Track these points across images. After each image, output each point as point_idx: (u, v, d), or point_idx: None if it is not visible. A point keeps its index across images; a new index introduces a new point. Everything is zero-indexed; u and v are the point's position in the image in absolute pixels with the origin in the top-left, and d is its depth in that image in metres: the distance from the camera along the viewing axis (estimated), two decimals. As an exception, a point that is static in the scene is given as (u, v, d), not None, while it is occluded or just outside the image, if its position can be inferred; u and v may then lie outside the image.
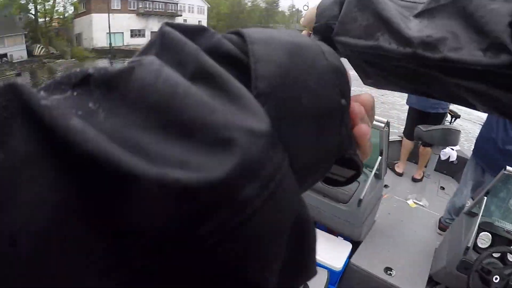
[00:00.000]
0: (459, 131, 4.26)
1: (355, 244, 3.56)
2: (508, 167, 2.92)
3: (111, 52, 44.37)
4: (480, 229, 2.97)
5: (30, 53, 37.49)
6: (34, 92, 0.21)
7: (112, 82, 0.23)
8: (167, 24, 0.29)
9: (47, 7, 41.53)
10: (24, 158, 0.19)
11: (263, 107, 0.24)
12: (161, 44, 0.27)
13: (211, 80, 0.24)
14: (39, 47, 39.04)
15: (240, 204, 0.21)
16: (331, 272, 3.06)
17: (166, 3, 58.36)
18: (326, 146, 0.29)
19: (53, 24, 44.20)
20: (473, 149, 3.91)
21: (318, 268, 2.02)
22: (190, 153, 0.21)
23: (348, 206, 3.37)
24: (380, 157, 3.38)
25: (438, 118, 4.94)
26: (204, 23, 65.06)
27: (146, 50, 0.28)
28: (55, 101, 0.21)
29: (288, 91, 0.27)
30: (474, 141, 3.94)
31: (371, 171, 3.44)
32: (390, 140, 3.48)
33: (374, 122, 2.70)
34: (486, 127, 3.74)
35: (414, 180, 5.33)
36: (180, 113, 0.22)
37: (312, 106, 0.27)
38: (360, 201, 3.27)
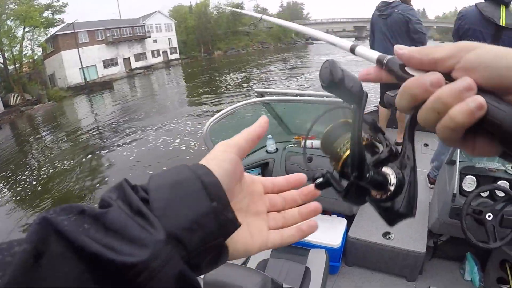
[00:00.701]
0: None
1: (350, 218, 3.72)
2: None
3: (87, 87, 43.92)
4: (463, 174, 3.03)
5: (5, 103, 36.91)
6: (58, 219, 0.40)
7: (97, 216, 0.43)
8: (126, 180, 0.49)
9: (15, 53, 41.06)
10: (58, 255, 0.38)
11: (160, 221, 0.44)
12: (121, 193, 0.47)
13: (141, 214, 0.44)
14: (14, 95, 38.45)
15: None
16: (330, 250, 3.16)
17: (133, 27, 58.38)
18: (209, 231, 0.46)
19: (24, 69, 43.84)
20: None
21: (315, 250, 2.66)
22: (131, 248, 0.41)
23: None
24: None
25: None
26: (174, 39, 65.24)
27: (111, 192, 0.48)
28: (66, 221, 0.40)
29: (173, 210, 0.46)
30: None
31: None
32: (366, 111, 3.70)
33: (332, 99, 3.25)
34: None
35: (397, 144, 5.62)
36: (123, 234, 0.42)
37: (189, 213, 0.45)
38: None
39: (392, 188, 0.52)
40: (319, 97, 3.52)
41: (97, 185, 11.52)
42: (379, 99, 5.76)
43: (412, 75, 0.49)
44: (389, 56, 0.53)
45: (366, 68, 0.57)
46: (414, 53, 0.49)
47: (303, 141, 4.19)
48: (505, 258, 3.11)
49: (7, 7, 39.77)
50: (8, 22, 40.12)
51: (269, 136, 4.17)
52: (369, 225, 3.60)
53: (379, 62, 0.55)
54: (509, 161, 0.53)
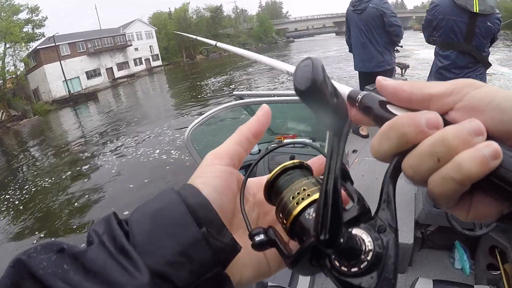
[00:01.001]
0: (406, 80, 4.41)
1: None
2: None
3: (71, 100, 43.73)
4: None
5: (-9, 120, 36.85)
6: (34, 261, 0.36)
7: (77, 255, 0.38)
8: (114, 214, 0.44)
9: (-3, 70, 40.71)
10: None
11: (143, 259, 0.39)
12: (107, 227, 0.42)
13: (124, 252, 0.39)
14: (-1, 112, 38.38)
15: None
16: None
17: (113, 36, 58.30)
18: (200, 262, 0.40)
19: (8, 85, 43.49)
20: None
21: None
22: None
23: None
24: None
25: (387, 75, 5.13)
26: (156, 46, 65.25)
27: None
28: (46, 261, 0.37)
29: (155, 243, 0.40)
30: None
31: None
32: None
33: None
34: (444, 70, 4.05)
35: None
36: (102, 277, 0.37)
37: (173, 245, 0.40)
38: None
39: (368, 258, 0.38)
40: (296, 97, 3.51)
41: (76, 203, 11.23)
42: None
43: (396, 115, 0.39)
44: (364, 92, 0.43)
45: None
46: (403, 86, 0.40)
47: (284, 140, 4.13)
48: (494, 244, 3.12)
49: (-14, 24, 39.51)
50: (-11, 40, 39.96)
51: None
52: None
53: (350, 98, 0.44)
54: (508, 225, 0.40)
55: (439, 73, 4.44)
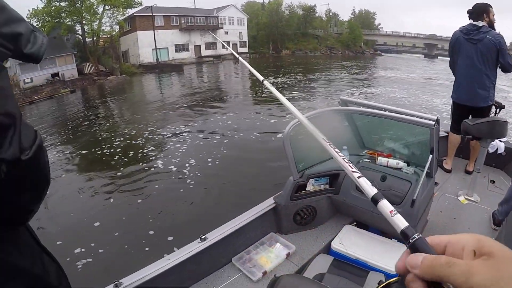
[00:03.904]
0: (507, 122, 4.32)
1: None
2: None
3: (158, 67, 45.74)
4: None
5: (80, 71, 39.03)
6: None
7: None
8: None
9: (94, 27, 43.05)
10: None
11: None
12: None
13: None
14: (88, 65, 40.71)
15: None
16: (389, 276, 2.99)
17: (207, 17, 59.96)
18: None
19: (100, 43, 46.15)
20: None
21: (374, 273, 2.70)
22: None
23: (401, 207, 3.35)
24: (431, 156, 3.34)
25: (485, 110, 5.06)
26: (245, 34, 66.18)
27: None
28: None
29: None
30: None
31: (423, 170, 3.40)
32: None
33: (424, 120, 3.22)
34: None
35: (467, 172, 5.36)
36: None
37: None
38: (413, 201, 3.24)
39: None
40: (404, 115, 3.36)
41: (136, 160, 12.02)
42: (450, 125, 5.62)
43: None
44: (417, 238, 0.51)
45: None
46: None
47: (378, 157, 3.96)
48: None
49: (91, -16, 41.83)
50: (91, -1, 42.23)
51: (344, 147, 4.08)
52: None
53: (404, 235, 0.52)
54: None
55: None
